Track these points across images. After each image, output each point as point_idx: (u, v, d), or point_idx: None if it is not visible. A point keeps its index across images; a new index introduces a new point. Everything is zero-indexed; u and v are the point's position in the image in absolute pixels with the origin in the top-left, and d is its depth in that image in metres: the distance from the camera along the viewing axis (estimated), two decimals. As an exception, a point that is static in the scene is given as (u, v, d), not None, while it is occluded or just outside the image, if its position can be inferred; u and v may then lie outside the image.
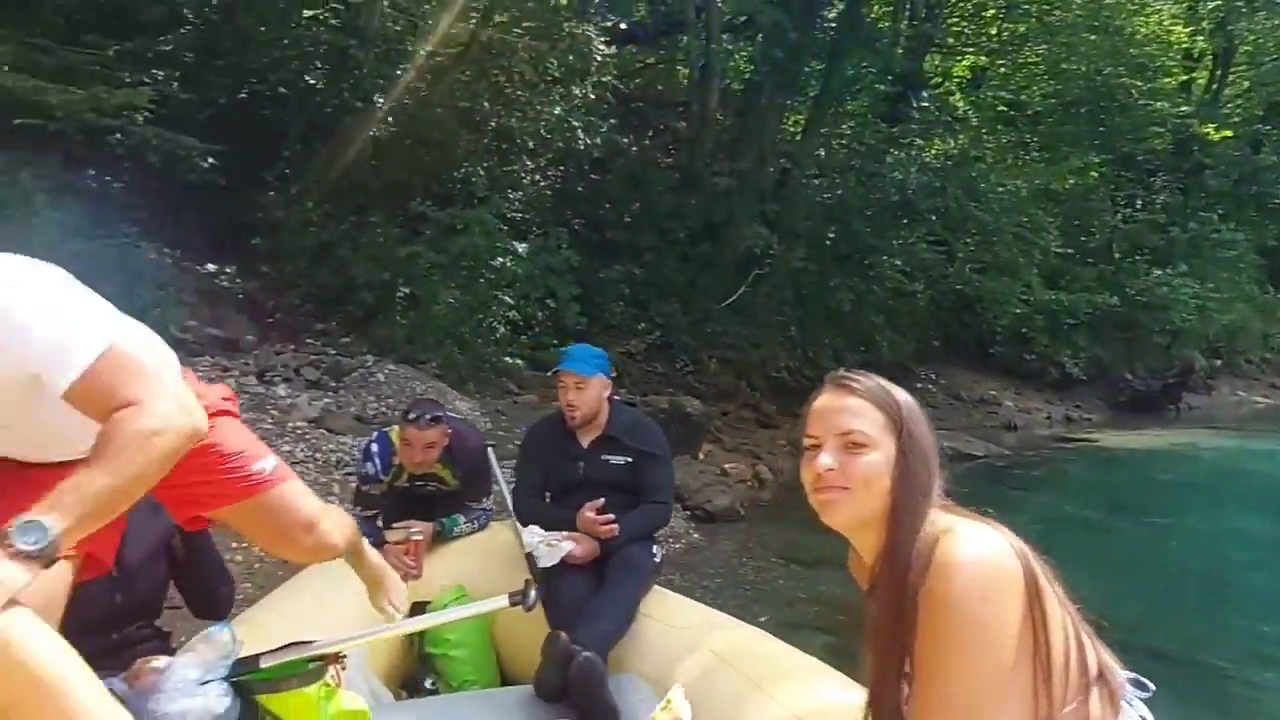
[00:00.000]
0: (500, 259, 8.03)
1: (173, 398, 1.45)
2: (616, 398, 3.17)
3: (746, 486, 7.65)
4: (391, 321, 7.83)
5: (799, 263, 10.46)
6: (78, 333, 1.42)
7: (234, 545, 4.18)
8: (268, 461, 1.83)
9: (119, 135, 7.07)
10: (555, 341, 8.97)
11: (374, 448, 3.11)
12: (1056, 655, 1.18)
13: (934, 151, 14.60)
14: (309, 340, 7.67)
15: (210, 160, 7.42)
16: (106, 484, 1.33)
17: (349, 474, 5.47)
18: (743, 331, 10.25)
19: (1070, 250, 14.84)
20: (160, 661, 1.82)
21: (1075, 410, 14.27)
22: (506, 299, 8.05)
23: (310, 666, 1.88)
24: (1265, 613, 4.94)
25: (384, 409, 6.53)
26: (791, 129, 12.67)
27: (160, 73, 7.68)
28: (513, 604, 2.57)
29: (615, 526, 2.85)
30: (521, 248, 8.38)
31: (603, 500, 2.89)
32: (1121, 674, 1.27)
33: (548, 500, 3.09)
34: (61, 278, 1.49)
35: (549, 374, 3.07)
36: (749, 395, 10.01)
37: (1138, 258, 16.32)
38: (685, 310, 10.13)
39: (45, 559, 1.20)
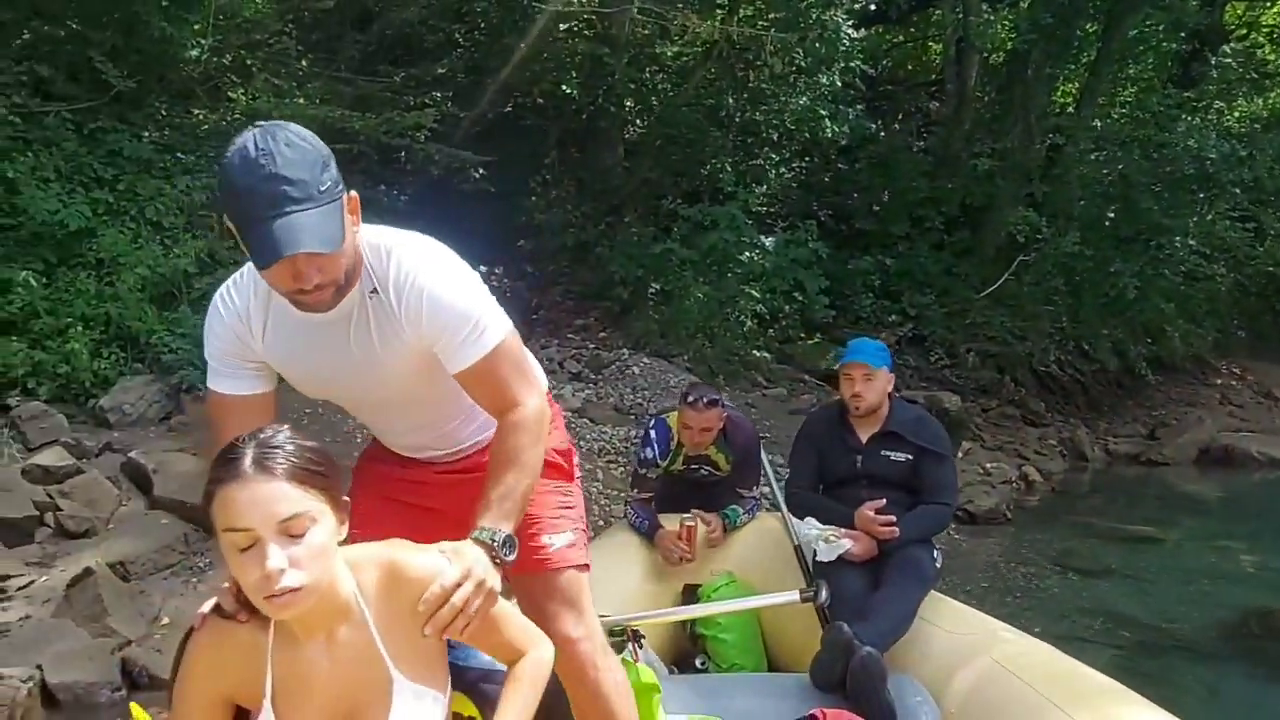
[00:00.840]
0: (748, 253, 8.03)
1: (544, 396, 1.52)
2: (899, 395, 3.09)
3: (1011, 488, 7.14)
4: (645, 316, 8.08)
5: (1072, 247, 9.48)
6: (488, 312, 1.49)
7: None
8: (559, 537, 1.72)
9: (404, 153, 7.88)
10: (803, 335, 8.83)
11: (652, 434, 3.22)
12: None
13: (1238, 114, 12.69)
14: (570, 335, 8.11)
15: (481, 170, 8.06)
16: (526, 485, 1.45)
17: (610, 461, 5.72)
18: (1005, 323, 9.49)
19: None
20: None
21: None
22: (754, 293, 8.03)
23: (611, 641, 1.98)
24: None
25: (640, 400, 6.75)
26: (1063, 101, 11.54)
27: (438, 93, 8.48)
28: (804, 600, 2.59)
29: (895, 529, 2.77)
30: (768, 241, 8.33)
31: (884, 501, 2.83)
32: None
33: (820, 492, 3.05)
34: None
35: (835, 368, 3.06)
36: (1013, 391, 9.26)
37: None
38: (940, 301, 9.56)
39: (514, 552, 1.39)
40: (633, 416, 6.40)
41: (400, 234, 1.53)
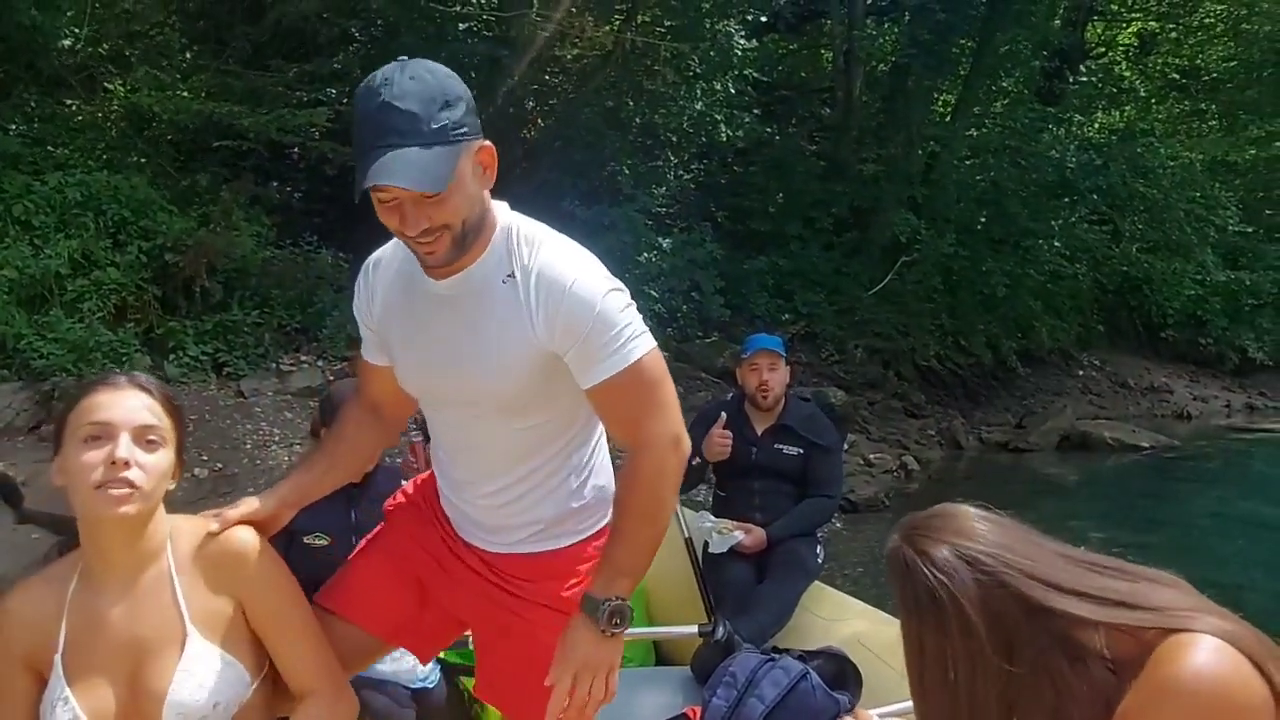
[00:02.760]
0: (645, 254, 8.20)
1: (681, 435, 1.33)
2: (793, 392, 3.18)
3: (892, 477, 7.55)
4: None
5: (949, 248, 10.09)
6: (634, 324, 1.30)
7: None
8: None
9: (298, 150, 7.71)
10: (700, 334, 9.08)
11: None
12: None
13: (1097, 126, 13.72)
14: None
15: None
16: (648, 536, 1.32)
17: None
18: (890, 320, 10.03)
19: (1251, 228, 13.60)
20: None
21: (1259, 398, 13.11)
22: (652, 293, 8.21)
23: None
24: None
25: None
26: (941, 110, 12.22)
27: (333, 90, 8.32)
28: (701, 635, 2.56)
29: (729, 442, 2.89)
30: (665, 242, 8.53)
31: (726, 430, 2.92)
32: None
33: (713, 482, 3.13)
34: None
35: (742, 357, 3.10)
36: (897, 384, 9.79)
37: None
38: (831, 299, 10.00)
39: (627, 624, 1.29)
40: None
41: (552, 231, 1.39)
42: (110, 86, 7.44)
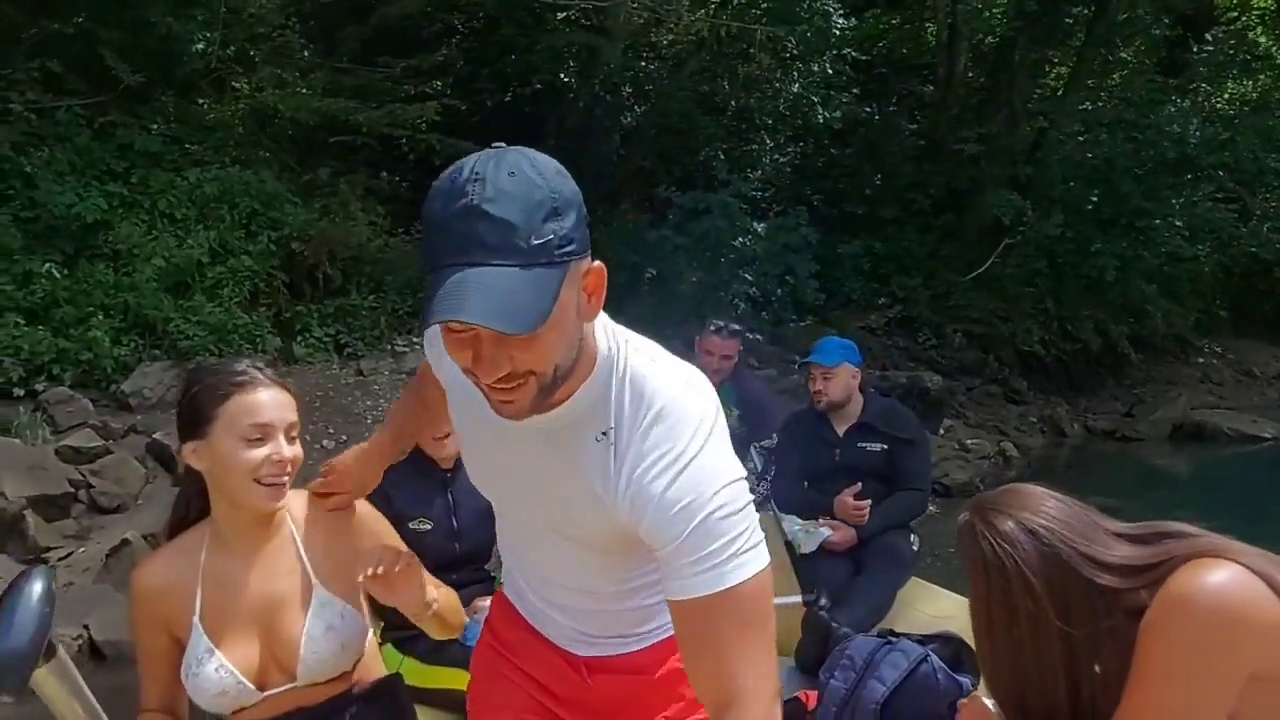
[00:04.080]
0: (740, 239, 8.27)
1: (776, 677, 1.03)
2: (872, 388, 3.24)
3: (990, 463, 7.43)
4: (640, 301, 8.34)
5: (1055, 230, 9.73)
6: (745, 534, 1.00)
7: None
8: None
9: (406, 142, 8.09)
10: (794, 317, 9.09)
11: None
12: None
13: (1226, 97, 12.88)
14: (568, 320, 8.37)
15: (479, 160, 8.26)
16: None
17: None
18: (990, 304, 9.77)
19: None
20: (485, 600, 2.19)
21: (1406, 390, 12.12)
22: (746, 276, 8.28)
23: None
24: None
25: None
26: (1053, 84, 11.72)
27: (438, 82, 8.68)
28: (805, 604, 2.67)
29: (865, 513, 2.90)
30: (760, 227, 8.57)
31: (859, 485, 2.95)
32: None
33: (805, 487, 3.14)
34: None
35: (796, 364, 3.20)
36: (996, 370, 9.56)
37: None
38: (927, 283, 9.82)
39: None
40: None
41: (664, 359, 1.11)
42: (237, 86, 7.98)
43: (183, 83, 7.63)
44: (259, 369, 1.41)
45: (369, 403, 5.83)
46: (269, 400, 1.37)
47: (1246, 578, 1.12)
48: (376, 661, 1.61)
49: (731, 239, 8.21)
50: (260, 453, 1.34)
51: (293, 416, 1.40)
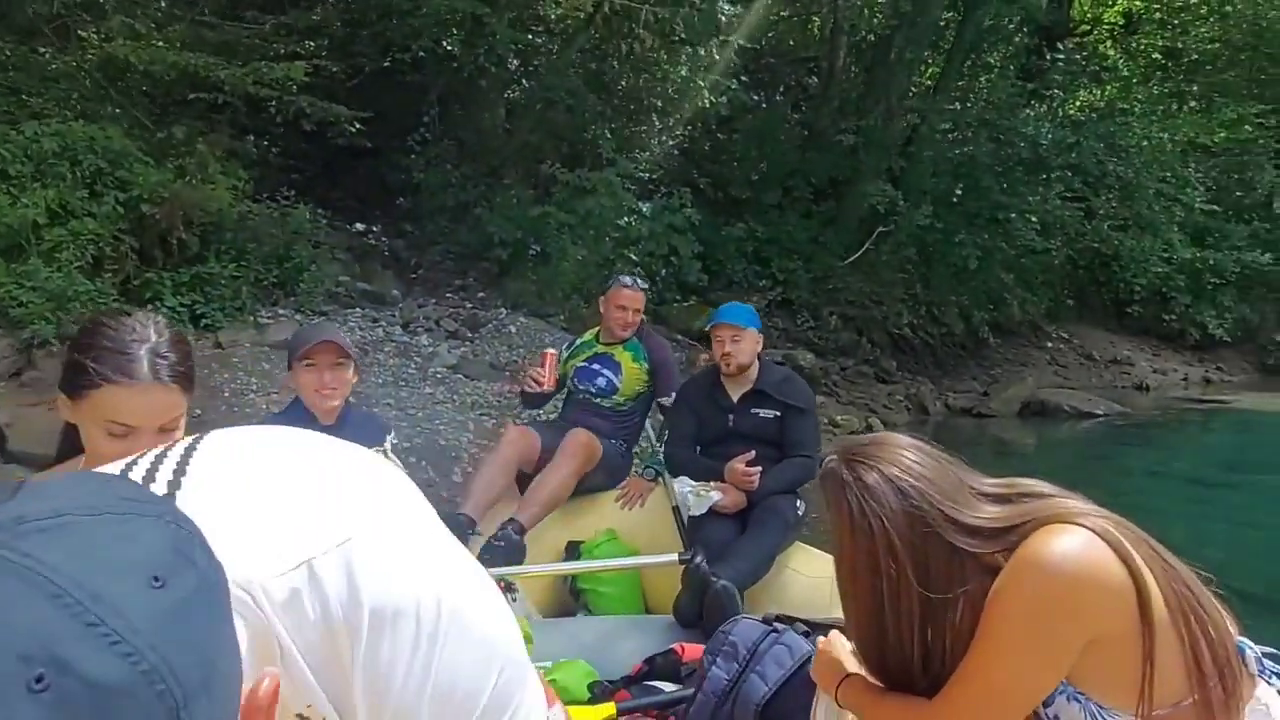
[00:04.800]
0: (626, 218, 8.27)
1: None
2: (766, 357, 3.25)
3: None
4: (523, 277, 8.23)
5: (924, 220, 10.23)
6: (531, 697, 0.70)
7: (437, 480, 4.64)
8: None
9: (274, 104, 7.65)
10: (678, 297, 9.19)
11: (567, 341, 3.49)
12: (1166, 657, 1.12)
13: (1077, 104, 13.84)
14: (449, 294, 8.17)
15: (358, 125, 7.92)
16: None
17: (483, 414, 5.89)
18: (864, 289, 10.19)
19: (1218, 207, 13.86)
20: None
21: (1216, 372, 13.52)
22: (631, 256, 8.29)
23: None
24: None
25: (515, 358, 6.94)
26: (927, 83, 12.28)
27: (311, 43, 8.24)
28: (681, 562, 2.70)
29: (755, 480, 2.93)
30: (646, 207, 8.59)
31: (753, 453, 2.96)
32: (1255, 650, 1.24)
33: (698, 451, 3.16)
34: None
35: (708, 328, 3.16)
36: (869, 351, 9.98)
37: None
38: (807, 267, 10.13)
39: None
40: (507, 373, 6.58)
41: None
42: (84, 35, 7.33)
43: (22, 29, 6.94)
44: (158, 359, 1.27)
45: (227, 375, 5.48)
46: (143, 405, 1.26)
47: (1094, 544, 1.14)
48: None
49: (617, 218, 8.20)
50: (118, 446, 1.25)
51: (172, 413, 1.29)
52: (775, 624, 2.02)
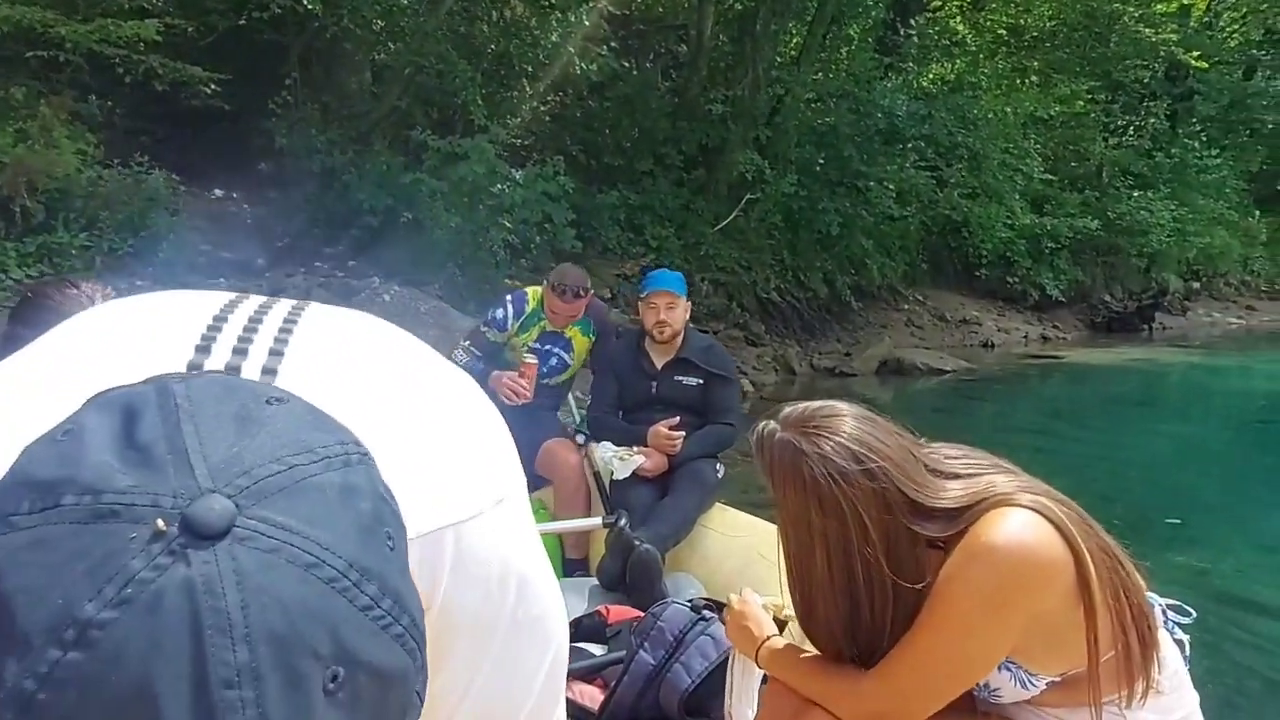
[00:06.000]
0: (499, 185, 8.30)
1: None
2: (690, 325, 3.29)
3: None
4: (396, 245, 8.15)
5: (790, 188, 10.71)
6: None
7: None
8: None
9: (121, 63, 7.25)
10: (553, 264, 9.27)
11: (509, 301, 3.32)
12: (1102, 628, 1.19)
13: (930, 78, 14.65)
14: (318, 263, 8.02)
15: (214, 87, 7.61)
16: None
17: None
18: (734, 255, 10.59)
19: (1054, 177, 15.04)
20: None
21: (1053, 330, 14.76)
22: (505, 224, 8.34)
23: None
24: (1208, 519, 5.30)
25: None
26: (793, 53, 12.73)
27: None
28: (605, 525, 2.79)
29: (678, 443, 3.02)
30: (519, 174, 8.63)
31: (679, 419, 3.03)
32: (1160, 603, 1.32)
33: (620, 416, 3.21)
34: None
35: (640, 295, 3.17)
36: (739, 316, 10.43)
37: (1121, 184, 16.53)
38: (679, 234, 10.43)
39: None
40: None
41: None
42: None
43: None
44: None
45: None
46: None
47: (1039, 526, 1.18)
48: None
49: (490, 186, 8.22)
50: None
51: None
52: (704, 611, 2.02)
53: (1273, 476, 6.41)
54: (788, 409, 1.32)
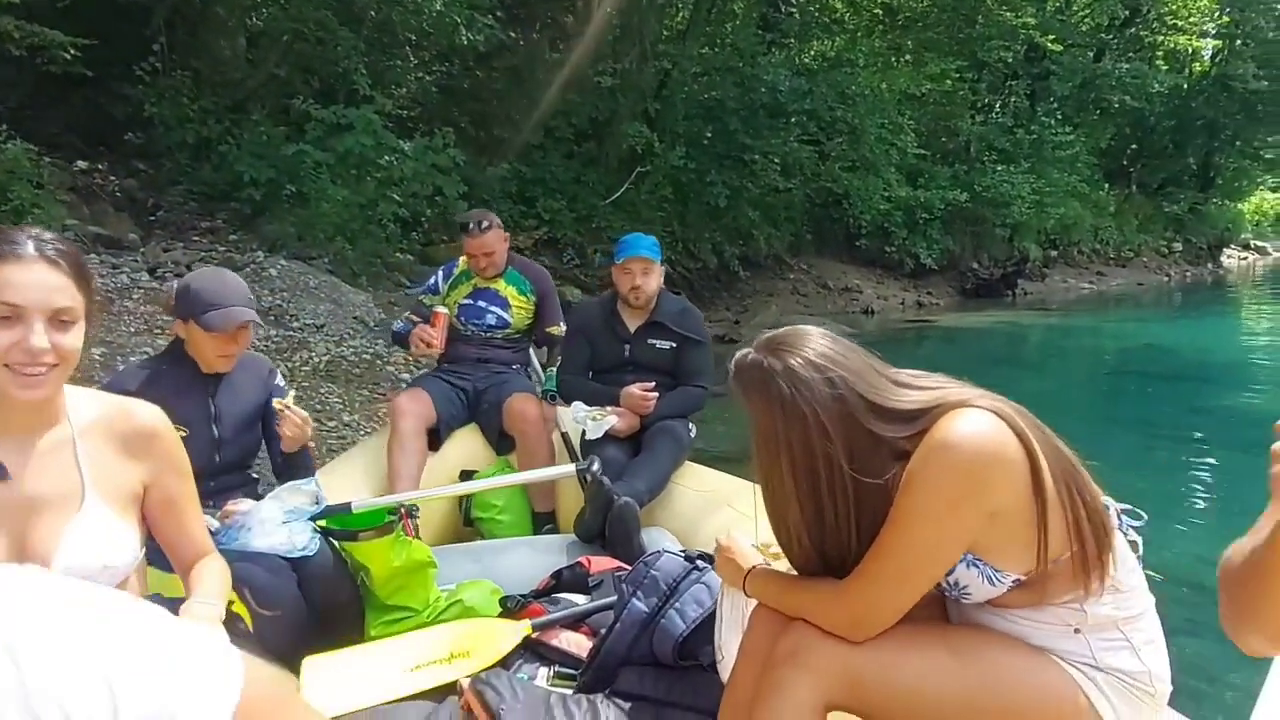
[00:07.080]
0: (387, 157, 8.16)
1: None
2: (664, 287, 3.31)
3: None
4: (280, 218, 7.92)
5: (679, 161, 10.93)
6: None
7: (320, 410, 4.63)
8: None
9: (-32, 24, 6.74)
10: (445, 238, 9.24)
11: (441, 268, 3.42)
12: (1053, 520, 1.23)
13: (812, 54, 15.14)
14: (195, 238, 7.71)
15: (73, 52, 7.18)
16: None
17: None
18: (627, 227, 10.73)
19: (926, 151, 15.86)
20: (245, 504, 2.12)
21: (926, 297, 15.64)
22: (395, 197, 8.22)
23: (385, 520, 2.14)
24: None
25: (279, 302, 6.76)
26: (680, 27, 12.90)
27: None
28: (579, 473, 2.74)
29: (652, 402, 3.01)
30: (408, 146, 8.50)
31: (653, 383, 3.03)
32: (1115, 506, 1.35)
33: (591, 378, 3.20)
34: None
35: (616, 261, 3.16)
36: (632, 287, 10.60)
37: (986, 159, 17.59)
38: (571, 206, 10.51)
39: None
40: (272, 318, 6.43)
41: None
42: None
43: None
44: (41, 239, 1.20)
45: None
46: (25, 279, 1.17)
47: (995, 424, 1.23)
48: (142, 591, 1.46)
49: (378, 158, 8.07)
50: (6, 335, 1.16)
51: (64, 301, 1.20)
52: (698, 561, 2.05)
53: (1120, 422, 7.18)
54: (763, 334, 1.40)
